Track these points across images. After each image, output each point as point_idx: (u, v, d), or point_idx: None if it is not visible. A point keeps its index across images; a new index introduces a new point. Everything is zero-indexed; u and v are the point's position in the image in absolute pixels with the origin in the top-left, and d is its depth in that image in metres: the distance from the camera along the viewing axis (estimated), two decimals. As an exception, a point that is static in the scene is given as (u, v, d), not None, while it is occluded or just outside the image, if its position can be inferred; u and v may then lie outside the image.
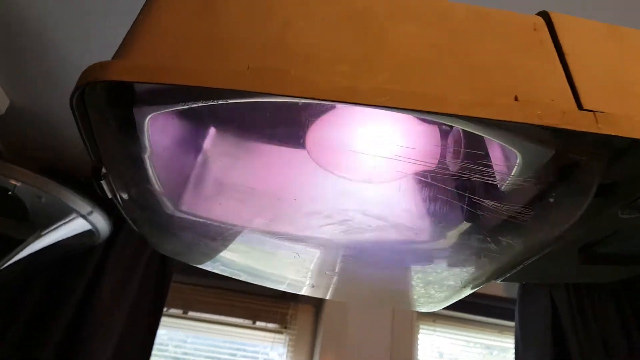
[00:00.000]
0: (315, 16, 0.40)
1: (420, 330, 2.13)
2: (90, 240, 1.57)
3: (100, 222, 1.51)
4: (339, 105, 0.57)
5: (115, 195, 0.46)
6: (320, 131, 0.55)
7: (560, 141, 0.41)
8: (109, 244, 1.64)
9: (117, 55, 0.35)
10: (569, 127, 0.36)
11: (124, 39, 0.37)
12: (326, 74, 0.36)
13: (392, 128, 0.54)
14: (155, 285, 1.66)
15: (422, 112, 0.35)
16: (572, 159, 0.42)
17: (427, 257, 0.62)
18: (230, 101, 0.38)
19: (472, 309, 2.17)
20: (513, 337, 2.03)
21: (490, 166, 0.49)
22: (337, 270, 0.64)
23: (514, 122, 0.36)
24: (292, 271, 0.67)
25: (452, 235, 0.57)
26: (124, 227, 1.72)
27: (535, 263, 0.55)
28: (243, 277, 0.68)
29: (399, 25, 0.40)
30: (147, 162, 0.44)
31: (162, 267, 1.71)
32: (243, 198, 0.60)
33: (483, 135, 0.41)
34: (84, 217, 1.45)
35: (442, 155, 0.54)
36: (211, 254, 0.64)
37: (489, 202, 0.42)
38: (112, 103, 0.37)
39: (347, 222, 0.51)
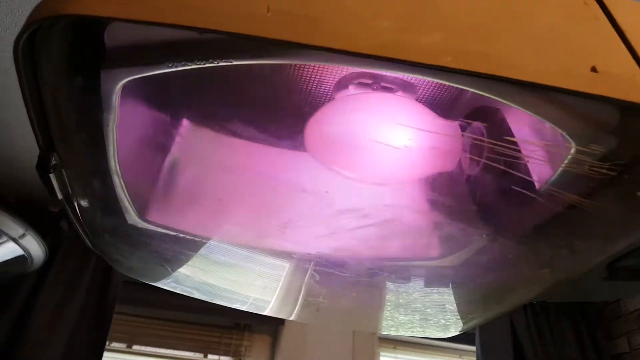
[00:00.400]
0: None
1: (381, 357, 2.05)
2: (21, 267, 1.39)
3: (34, 247, 1.34)
4: (337, 96, 0.49)
5: (67, 196, 0.35)
6: (321, 125, 0.46)
7: (631, 126, 0.34)
8: (43, 271, 1.46)
9: (84, -12, 0.25)
10: (659, 106, 0.30)
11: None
12: (365, 28, 0.28)
13: (405, 122, 0.46)
14: (96, 317, 1.48)
15: (492, 78, 0.27)
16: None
17: (438, 277, 0.53)
18: (235, 63, 0.28)
19: (433, 334, 2.11)
20: (473, 361, 2.01)
21: (523, 166, 0.42)
22: (306, 288, 0.54)
23: (598, 96, 0.29)
24: (258, 289, 0.57)
25: (469, 250, 0.49)
26: (60, 252, 1.54)
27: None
28: (197, 295, 0.57)
29: (443, -19, 0.33)
30: (112, 148, 0.34)
31: (103, 296, 1.53)
32: (220, 207, 0.50)
33: (539, 116, 0.34)
34: (14, 240, 1.27)
35: (463, 155, 0.47)
36: (173, 269, 0.53)
37: (573, 197, 0.35)
38: (73, 57, 0.26)
39: (391, 223, 0.42)
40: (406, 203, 0.48)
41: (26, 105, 0.27)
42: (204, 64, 0.28)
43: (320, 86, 0.47)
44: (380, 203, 0.45)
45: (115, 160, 0.35)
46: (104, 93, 0.29)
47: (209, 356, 1.82)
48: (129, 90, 0.33)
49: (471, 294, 0.51)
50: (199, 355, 1.81)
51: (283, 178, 0.43)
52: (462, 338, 2.10)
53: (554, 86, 0.28)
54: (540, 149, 0.40)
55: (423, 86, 0.47)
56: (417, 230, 0.50)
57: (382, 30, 0.28)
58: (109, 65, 0.28)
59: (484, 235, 0.46)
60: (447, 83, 0.30)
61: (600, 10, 0.38)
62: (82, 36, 0.26)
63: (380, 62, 0.26)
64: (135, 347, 1.72)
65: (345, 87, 0.47)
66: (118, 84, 0.28)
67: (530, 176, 0.42)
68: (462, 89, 0.47)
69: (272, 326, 1.93)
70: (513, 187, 0.39)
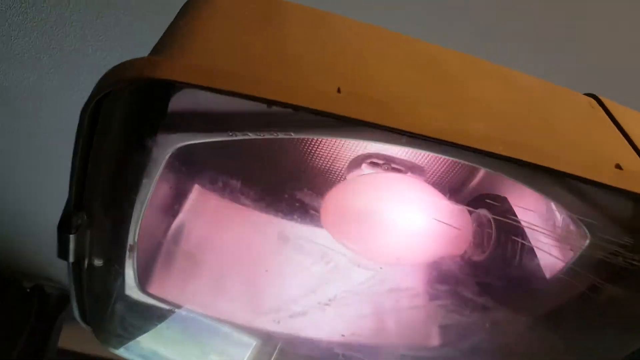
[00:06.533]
0: (387, 55, 0.34)
1: None
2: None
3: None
4: (350, 174, 0.49)
5: (80, 259, 0.33)
6: (337, 203, 0.46)
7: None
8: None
9: (158, 54, 0.26)
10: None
11: (164, 38, 0.27)
12: (421, 114, 0.29)
13: (418, 204, 0.47)
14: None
15: (535, 167, 0.29)
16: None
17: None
18: (294, 136, 0.29)
19: None
20: None
21: (531, 253, 0.43)
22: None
23: (625, 190, 0.31)
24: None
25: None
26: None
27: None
28: None
29: (476, 78, 0.35)
30: (139, 214, 0.32)
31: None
32: (219, 282, 0.48)
33: (561, 205, 0.36)
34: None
35: (473, 240, 0.48)
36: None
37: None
38: (133, 121, 0.26)
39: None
40: (411, 286, 0.48)
41: (73, 163, 0.26)
42: (263, 135, 0.28)
43: (335, 164, 0.48)
44: (384, 288, 0.45)
45: (137, 227, 0.34)
46: (152, 157, 0.28)
47: None
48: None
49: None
50: None
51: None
52: None
53: (589, 179, 0.30)
54: (550, 237, 0.42)
55: (431, 170, 0.49)
56: (420, 317, 0.50)
57: (435, 118, 0.29)
58: (167, 129, 0.27)
59: (488, 324, 0.47)
60: (487, 169, 0.31)
61: (604, 113, 0.42)
62: (148, 101, 0.26)
63: (440, 145, 0.27)
64: None
65: (358, 166, 0.48)
66: (171, 149, 0.28)
67: (539, 263, 0.43)
68: (470, 176, 0.49)
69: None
70: (522, 275, 0.40)
